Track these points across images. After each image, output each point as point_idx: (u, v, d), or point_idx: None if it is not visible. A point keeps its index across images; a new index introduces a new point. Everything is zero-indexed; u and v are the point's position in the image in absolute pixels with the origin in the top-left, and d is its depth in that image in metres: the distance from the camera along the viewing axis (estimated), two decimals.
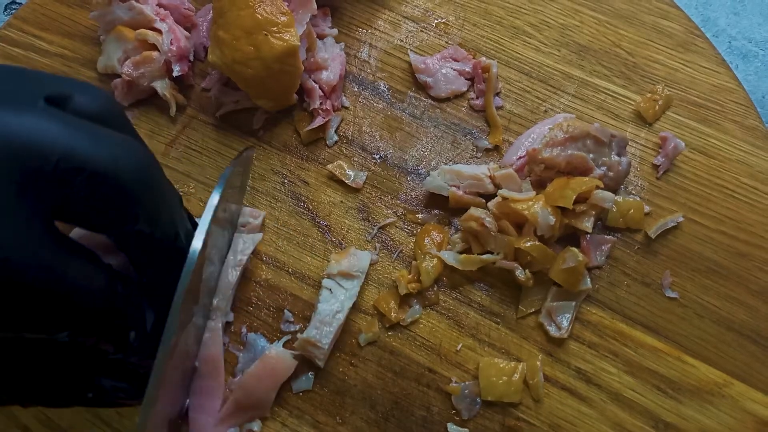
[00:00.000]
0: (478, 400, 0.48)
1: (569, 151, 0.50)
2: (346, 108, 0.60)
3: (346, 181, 0.56)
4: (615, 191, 0.52)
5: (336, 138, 0.58)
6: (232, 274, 0.49)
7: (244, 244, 0.50)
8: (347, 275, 0.50)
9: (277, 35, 0.51)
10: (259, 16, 0.51)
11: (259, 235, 0.52)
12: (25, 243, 0.27)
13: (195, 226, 0.39)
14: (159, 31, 0.57)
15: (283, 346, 0.49)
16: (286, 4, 0.53)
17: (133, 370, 0.38)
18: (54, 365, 0.37)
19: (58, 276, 0.28)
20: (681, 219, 0.54)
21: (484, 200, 0.53)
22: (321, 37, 0.60)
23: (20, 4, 0.76)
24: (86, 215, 0.31)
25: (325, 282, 0.50)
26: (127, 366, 0.37)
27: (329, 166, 0.56)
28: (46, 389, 0.38)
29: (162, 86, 0.57)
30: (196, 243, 0.36)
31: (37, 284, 0.28)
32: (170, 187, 0.37)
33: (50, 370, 0.37)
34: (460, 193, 0.53)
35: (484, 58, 0.60)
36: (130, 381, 0.39)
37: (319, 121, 0.57)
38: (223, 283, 0.49)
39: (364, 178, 0.56)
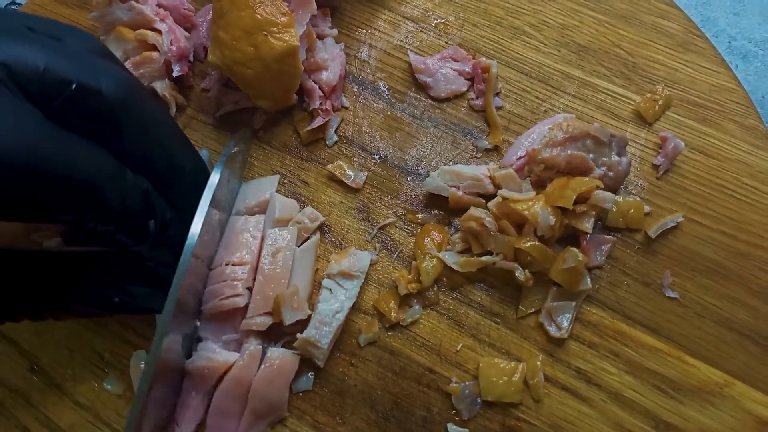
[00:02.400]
0: (479, 400, 0.48)
1: (569, 151, 0.50)
2: (346, 108, 0.60)
3: (346, 181, 0.56)
4: (615, 191, 0.52)
5: (336, 138, 0.58)
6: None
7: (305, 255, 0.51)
8: (347, 275, 0.50)
9: (277, 35, 0.51)
10: (258, 16, 0.51)
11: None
12: (21, 129, 0.29)
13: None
14: (159, 32, 0.57)
15: (282, 347, 0.49)
16: (286, 4, 0.53)
17: (156, 275, 0.40)
18: (81, 271, 0.40)
19: (58, 156, 0.31)
20: (681, 219, 0.53)
21: (483, 200, 0.53)
22: (321, 37, 0.60)
23: (20, 4, 0.76)
24: (79, 128, 0.32)
25: (325, 282, 0.50)
26: (148, 268, 0.40)
27: (329, 167, 0.56)
28: (74, 296, 0.40)
29: (162, 87, 0.57)
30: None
31: (37, 164, 0.30)
32: (161, 113, 0.38)
33: (78, 277, 0.40)
34: (460, 193, 0.53)
35: (483, 59, 0.60)
36: (154, 286, 0.41)
37: (318, 122, 0.57)
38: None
39: (364, 178, 0.56)
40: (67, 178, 0.31)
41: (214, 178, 0.42)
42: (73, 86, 0.31)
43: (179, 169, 0.39)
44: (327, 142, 0.58)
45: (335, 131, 0.58)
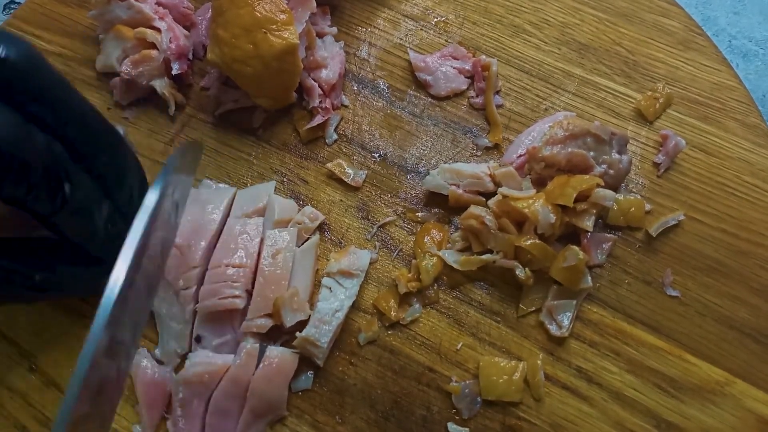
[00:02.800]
0: (479, 399, 0.48)
1: (569, 149, 0.50)
2: (346, 106, 0.59)
3: (346, 180, 0.55)
4: (616, 189, 0.52)
5: (335, 136, 0.58)
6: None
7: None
8: (347, 274, 0.50)
9: (277, 33, 0.51)
10: (258, 14, 0.51)
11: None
12: None
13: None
14: (158, 30, 0.57)
15: (281, 345, 0.49)
16: (285, 2, 0.53)
17: (78, 251, 0.39)
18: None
19: None
20: (682, 217, 0.53)
21: (484, 199, 0.53)
22: (320, 35, 0.59)
23: (19, 3, 0.76)
24: None
25: (325, 281, 0.50)
26: (67, 243, 0.39)
27: (329, 165, 0.56)
28: None
29: (161, 85, 0.57)
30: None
31: None
32: (67, 84, 0.38)
33: None
34: (460, 191, 0.53)
35: (483, 57, 0.60)
36: (76, 263, 0.41)
37: (318, 120, 0.57)
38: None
39: (364, 176, 0.56)
40: None
41: (152, 197, 0.38)
42: None
43: (94, 137, 0.39)
44: (326, 141, 0.58)
45: (335, 129, 0.58)
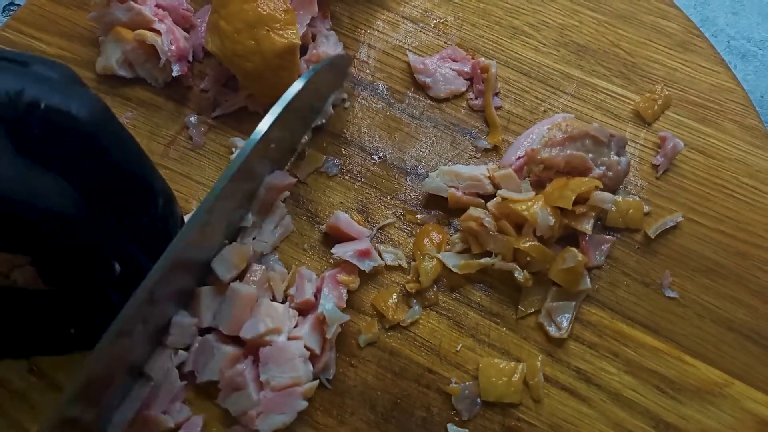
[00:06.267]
0: (478, 400, 0.48)
1: (568, 151, 0.50)
2: (345, 108, 0.59)
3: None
4: (614, 191, 0.52)
5: None
6: None
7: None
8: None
9: (279, 32, 0.51)
10: (262, 11, 0.51)
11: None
12: None
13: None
14: (158, 32, 0.57)
15: None
16: (289, 2, 0.53)
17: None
18: (37, 303, 0.38)
19: (26, 188, 0.30)
20: (680, 218, 0.53)
21: (483, 201, 0.53)
22: None
23: (18, 5, 0.76)
24: (48, 153, 0.32)
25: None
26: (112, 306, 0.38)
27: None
28: (31, 330, 0.38)
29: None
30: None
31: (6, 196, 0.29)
32: (133, 142, 0.38)
33: (33, 308, 0.38)
34: (459, 193, 0.53)
35: (482, 58, 0.60)
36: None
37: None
38: None
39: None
40: (20, 216, 0.30)
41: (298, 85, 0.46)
42: (42, 106, 0.31)
43: (149, 201, 0.38)
44: (326, 144, 0.58)
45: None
